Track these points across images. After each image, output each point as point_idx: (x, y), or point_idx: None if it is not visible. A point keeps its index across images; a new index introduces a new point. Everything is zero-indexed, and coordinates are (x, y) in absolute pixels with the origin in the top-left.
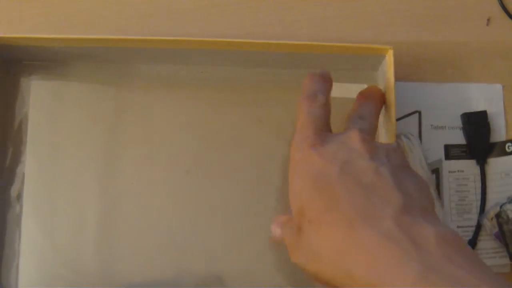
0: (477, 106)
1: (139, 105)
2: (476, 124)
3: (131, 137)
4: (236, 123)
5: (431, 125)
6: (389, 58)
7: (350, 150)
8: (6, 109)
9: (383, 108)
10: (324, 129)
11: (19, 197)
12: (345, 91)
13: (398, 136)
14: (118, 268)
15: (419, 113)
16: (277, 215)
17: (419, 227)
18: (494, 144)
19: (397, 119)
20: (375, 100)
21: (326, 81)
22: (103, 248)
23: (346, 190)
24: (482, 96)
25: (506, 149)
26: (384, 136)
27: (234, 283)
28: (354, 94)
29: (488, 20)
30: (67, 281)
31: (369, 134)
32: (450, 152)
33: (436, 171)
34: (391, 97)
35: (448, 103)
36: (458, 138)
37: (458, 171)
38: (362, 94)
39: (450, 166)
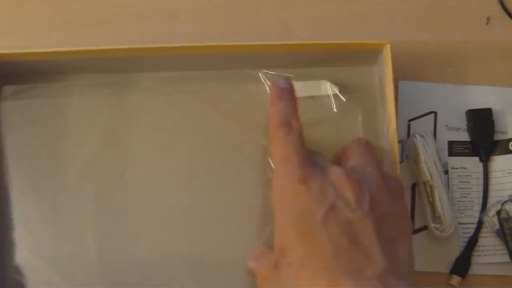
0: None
1: (135, 115)
2: (480, 121)
3: (128, 149)
4: (235, 128)
5: (446, 126)
6: (386, 53)
7: (337, 193)
8: None
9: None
10: (307, 159)
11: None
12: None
13: (412, 135)
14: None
15: (435, 113)
16: (253, 249)
17: None
18: (498, 142)
19: (413, 119)
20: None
21: (292, 96)
22: (106, 268)
23: (330, 239)
24: (500, 100)
25: (510, 147)
26: (385, 137)
27: None
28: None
29: (488, 19)
30: None
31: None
32: (454, 148)
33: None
34: (390, 93)
35: (465, 105)
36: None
37: (461, 168)
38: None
39: (453, 162)
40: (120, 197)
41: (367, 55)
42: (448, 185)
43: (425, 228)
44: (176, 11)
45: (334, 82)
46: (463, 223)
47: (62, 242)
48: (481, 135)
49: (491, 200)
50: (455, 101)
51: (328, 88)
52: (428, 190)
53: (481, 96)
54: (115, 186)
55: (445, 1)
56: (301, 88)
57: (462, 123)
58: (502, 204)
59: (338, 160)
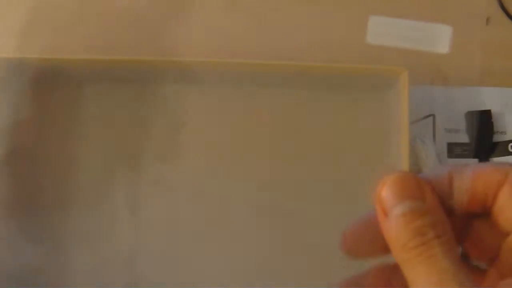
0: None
1: (162, 127)
2: (479, 123)
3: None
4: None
5: (445, 128)
6: (403, 80)
7: None
8: None
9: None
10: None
11: None
12: None
13: (413, 139)
14: None
15: (433, 116)
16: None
17: None
18: (497, 143)
19: (412, 122)
20: None
21: None
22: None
23: None
24: (499, 101)
25: (509, 149)
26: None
27: None
28: None
29: (488, 20)
30: None
31: None
32: (453, 150)
33: None
34: (405, 119)
35: (464, 106)
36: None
37: None
38: None
39: None
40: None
41: (383, 80)
42: None
43: None
44: None
45: (345, 105)
46: None
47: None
48: (480, 137)
49: None
50: (454, 103)
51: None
52: None
53: (480, 97)
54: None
55: (445, 1)
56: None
57: (461, 125)
58: None
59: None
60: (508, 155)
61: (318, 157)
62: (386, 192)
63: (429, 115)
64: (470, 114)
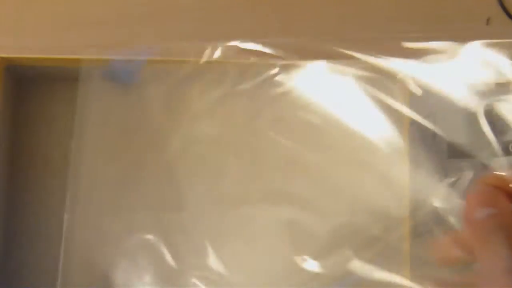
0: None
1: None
2: (480, 122)
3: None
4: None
5: (445, 129)
6: (403, 80)
7: None
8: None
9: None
10: None
11: None
12: None
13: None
14: None
15: (433, 116)
16: None
17: None
18: (498, 143)
19: (412, 122)
20: None
21: None
22: None
23: None
24: (501, 102)
25: (509, 149)
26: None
27: None
28: None
29: (488, 20)
30: None
31: None
32: (453, 150)
33: None
34: (405, 119)
35: (464, 106)
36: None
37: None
38: None
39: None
40: None
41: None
42: None
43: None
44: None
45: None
46: None
47: None
48: (480, 137)
49: None
50: (454, 102)
51: None
52: None
53: (480, 97)
54: None
55: (445, 1)
56: None
57: (461, 125)
58: None
59: None
60: (508, 155)
61: (317, 157)
62: (471, 202)
63: (429, 115)
64: (470, 114)
